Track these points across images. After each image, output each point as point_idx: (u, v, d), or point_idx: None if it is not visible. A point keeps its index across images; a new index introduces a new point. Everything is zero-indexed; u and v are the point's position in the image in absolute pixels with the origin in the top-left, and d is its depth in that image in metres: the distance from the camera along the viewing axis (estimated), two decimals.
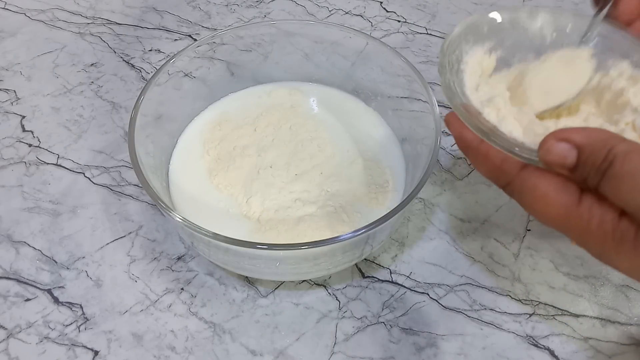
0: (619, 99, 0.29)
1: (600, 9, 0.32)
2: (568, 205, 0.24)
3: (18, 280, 0.42)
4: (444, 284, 0.42)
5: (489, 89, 0.30)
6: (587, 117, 0.29)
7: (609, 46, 0.31)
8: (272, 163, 0.45)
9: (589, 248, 0.25)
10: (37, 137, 0.52)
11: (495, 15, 0.33)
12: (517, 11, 0.33)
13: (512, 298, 0.41)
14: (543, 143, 0.25)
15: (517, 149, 0.26)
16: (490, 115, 0.28)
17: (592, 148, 0.23)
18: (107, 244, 0.44)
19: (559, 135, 0.24)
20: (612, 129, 0.28)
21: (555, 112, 0.30)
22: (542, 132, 0.26)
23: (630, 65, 0.30)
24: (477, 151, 0.28)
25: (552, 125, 0.28)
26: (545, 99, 0.29)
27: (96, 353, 0.39)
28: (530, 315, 0.41)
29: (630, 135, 0.27)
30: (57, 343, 0.39)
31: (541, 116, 0.30)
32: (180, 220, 0.35)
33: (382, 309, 0.41)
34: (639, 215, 0.22)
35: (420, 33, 0.62)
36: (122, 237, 0.45)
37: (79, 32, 0.62)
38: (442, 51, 0.31)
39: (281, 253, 0.36)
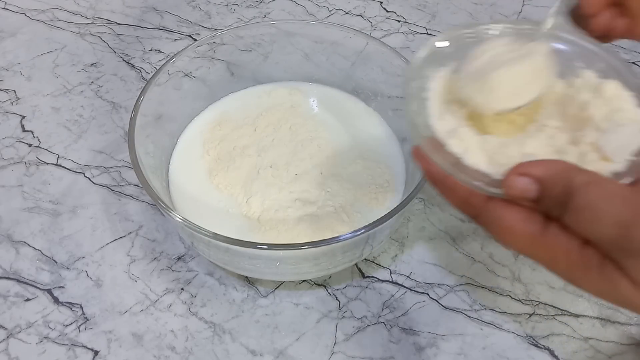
0: (583, 112, 0.29)
1: None
2: (534, 235, 0.25)
3: (18, 280, 0.42)
4: (444, 284, 0.42)
5: (452, 116, 0.30)
6: (553, 135, 0.29)
7: (573, 54, 0.31)
8: (272, 163, 0.45)
9: (558, 274, 0.26)
10: (37, 137, 0.52)
11: (455, 34, 0.32)
12: (478, 25, 0.33)
13: (512, 298, 0.41)
14: (505, 179, 0.26)
15: (479, 183, 0.27)
16: (455, 146, 0.28)
17: (553, 181, 0.24)
18: (107, 244, 0.44)
19: (520, 170, 0.25)
20: (573, 150, 0.28)
21: (521, 126, 0.29)
22: (506, 162, 0.26)
23: (595, 74, 0.30)
24: (444, 184, 0.28)
25: (515, 153, 0.28)
26: (510, 98, 0.29)
27: (96, 353, 0.39)
28: (530, 315, 0.41)
29: (591, 157, 0.27)
30: (57, 343, 0.39)
31: (503, 119, 0.29)
32: (180, 220, 0.35)
33: (382, 309, 0.41)
34: (601, 244, 0.23)
35: (420, 33, 0.62)
36: (122, 237, 0.45)
37: (79, 32, 0.62)
38: (406, 80, 0.30)
39: (281, 253, 0.36)
